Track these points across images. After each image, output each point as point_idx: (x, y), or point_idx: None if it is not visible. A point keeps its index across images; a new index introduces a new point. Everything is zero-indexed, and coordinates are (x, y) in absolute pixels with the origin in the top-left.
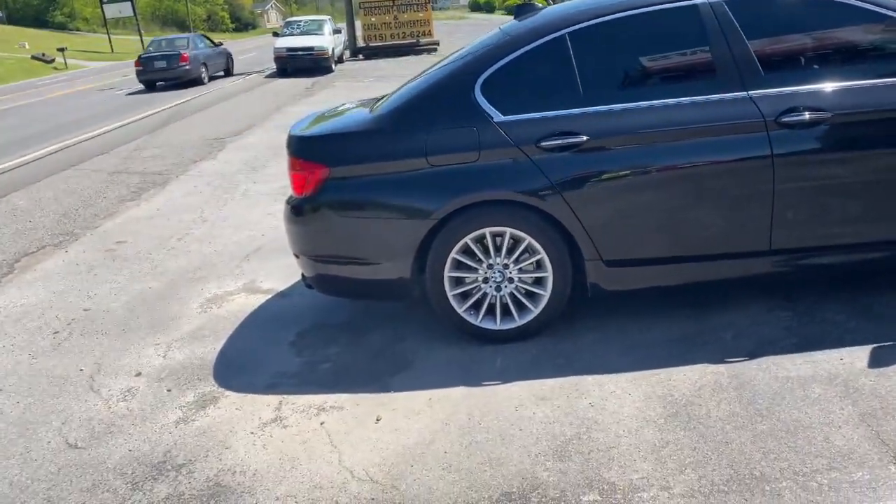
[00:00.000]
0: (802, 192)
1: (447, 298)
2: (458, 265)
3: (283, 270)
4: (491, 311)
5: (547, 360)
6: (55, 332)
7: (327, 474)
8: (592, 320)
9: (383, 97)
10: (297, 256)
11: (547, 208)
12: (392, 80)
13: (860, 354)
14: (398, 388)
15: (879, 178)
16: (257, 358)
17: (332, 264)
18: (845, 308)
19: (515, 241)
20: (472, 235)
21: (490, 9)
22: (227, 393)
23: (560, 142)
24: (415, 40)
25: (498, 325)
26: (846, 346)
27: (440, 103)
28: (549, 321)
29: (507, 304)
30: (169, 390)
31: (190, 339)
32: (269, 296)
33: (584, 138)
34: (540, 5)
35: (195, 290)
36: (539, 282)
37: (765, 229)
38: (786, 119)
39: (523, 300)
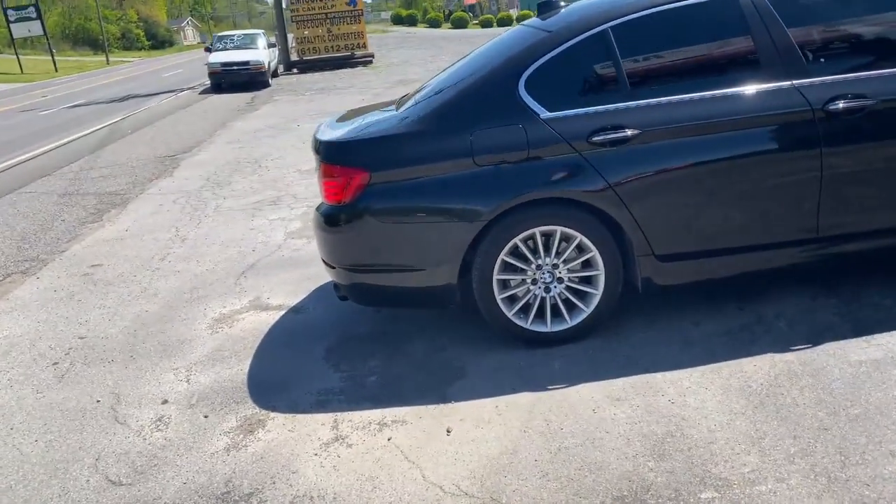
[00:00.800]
0: (848, 178)
1: (496, 302)
2: (506, 267)
3: (287, 285)
4: (540, 313)
5: (606, 360)
6: (54, 364)
7: (415, 492)
8: (640, 319)
9: (405, 97)
10: (331, 266)
11: (599, 204)
12: (333, 92)
13: None
14: (459, 398)
15: None
16: (293, 376)
17: (372, 273)
18: (889, 292)
19: (565, 240)
20: (521, 236)
21: (412, 22)
22: (273, 415)
23: (611, 136)
24: (349, 53)
25: (549, 327)
26: None
27: (484, 102)
28: (600, 320)
29: (556, 305)
30: (206, 416)
31: (210, 362)
32: (282, 312)
33: (635, 132)
34: (563, 3)
35: (198, 311)
36: (589, 280)
37: (813, 217)
38: (831, 107)
39: (574, 300)
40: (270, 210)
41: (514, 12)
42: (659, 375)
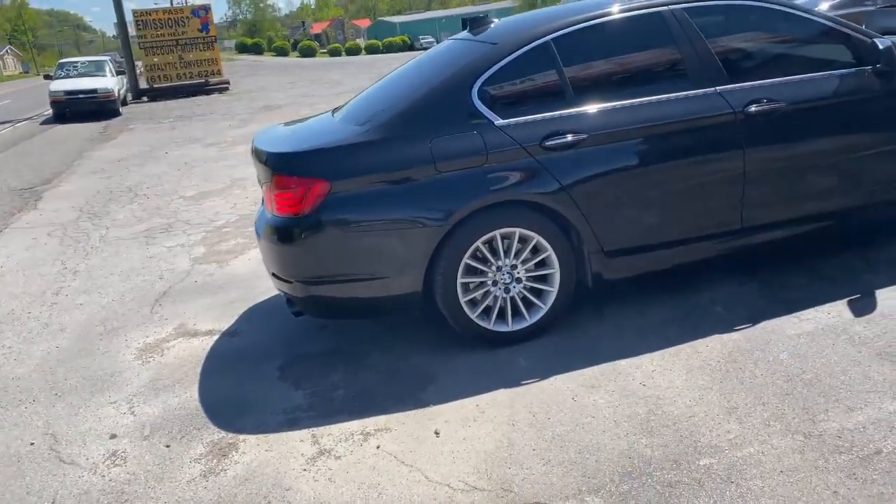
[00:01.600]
0: (764, 173)
1: (460, 305)
2: (468, 270)
3: (211, 310)
4: (501, 313)
5: (570, 353)
6: None
7: (424, 493)
8: (590, 314)
9: (338, 108)
10: (285, 281)
11: (554, 206)
12: (195, 119)
13: (839, 308)
14: (437, 402)
15: (822, 158)
16: (251, 398)
17: (333, 284)
18: (800, 274)
19: (522, 241)
20: (483, 238)
21: (258, 50)
22: (243, 437)
23: (562, 140)
24: (203, 80)
25: (510, 326)
26: (822, 303)
27: (440, 111)
28: (556, 316)
29: (516, 304)
30: (167, 446)
31: (151, 392)
32: (215, 336)
33: (583, 136)
34: (494, 19)
35: (118, 343)
36: (544, 279)
37: (737, 209)
38: (749, 110)
39: (532, 298)
40: (165, 237)
41: (361, 41)
42: (623, 362)
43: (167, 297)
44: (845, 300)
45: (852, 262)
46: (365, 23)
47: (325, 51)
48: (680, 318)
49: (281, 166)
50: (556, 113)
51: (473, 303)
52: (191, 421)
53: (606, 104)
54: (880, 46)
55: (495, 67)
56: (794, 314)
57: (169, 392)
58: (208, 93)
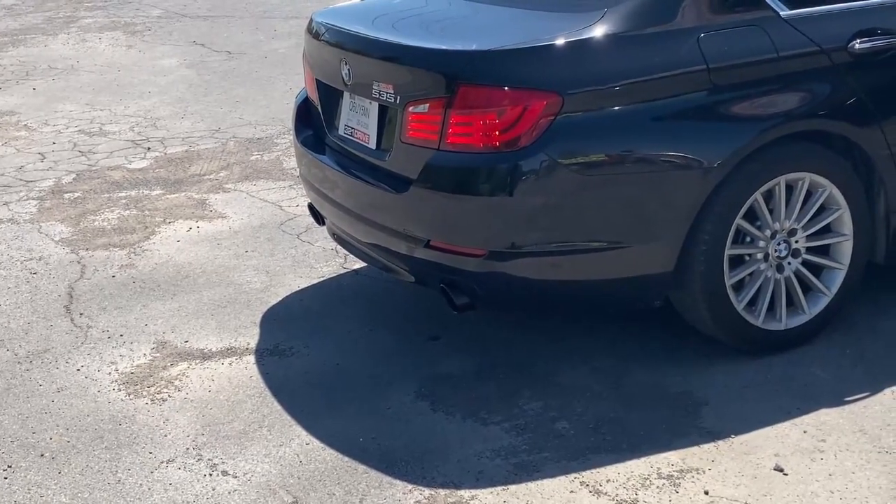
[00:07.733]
0: None
1: (726, 289)
2: (737, 237)
3: (193, 319)
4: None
5: (881, 356)
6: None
7: None
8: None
9: None
10: (456, 254)
11: (860, 141)
12: None
13: None
14: (733, 431)
15: None
16: (423, 440)
17: (538, 258)
18: None
19: (808, 194)
20: (763, 189)
21: None
22: (469, 493)
23: (878, 43)
24: None
25: (784, 323)
26: None
27: None
28: (840, 308)
29: (790, 290)
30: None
31: (226, 441)
32: (246, 357)
33: None
34: None
35: (66, 374)
36: (826, 251)
37: None
38: None
39: (813, 280)
40: None
41: None
42: None
43: (80, 303)
44: None
45: None
46: None
47: None
48: None
49: (479, 72)
50: (861, 3)
51: (735, 288)
52: (355, 478)
53: None
54: None
55: None
56: None
57: (259, 442)
58: None
